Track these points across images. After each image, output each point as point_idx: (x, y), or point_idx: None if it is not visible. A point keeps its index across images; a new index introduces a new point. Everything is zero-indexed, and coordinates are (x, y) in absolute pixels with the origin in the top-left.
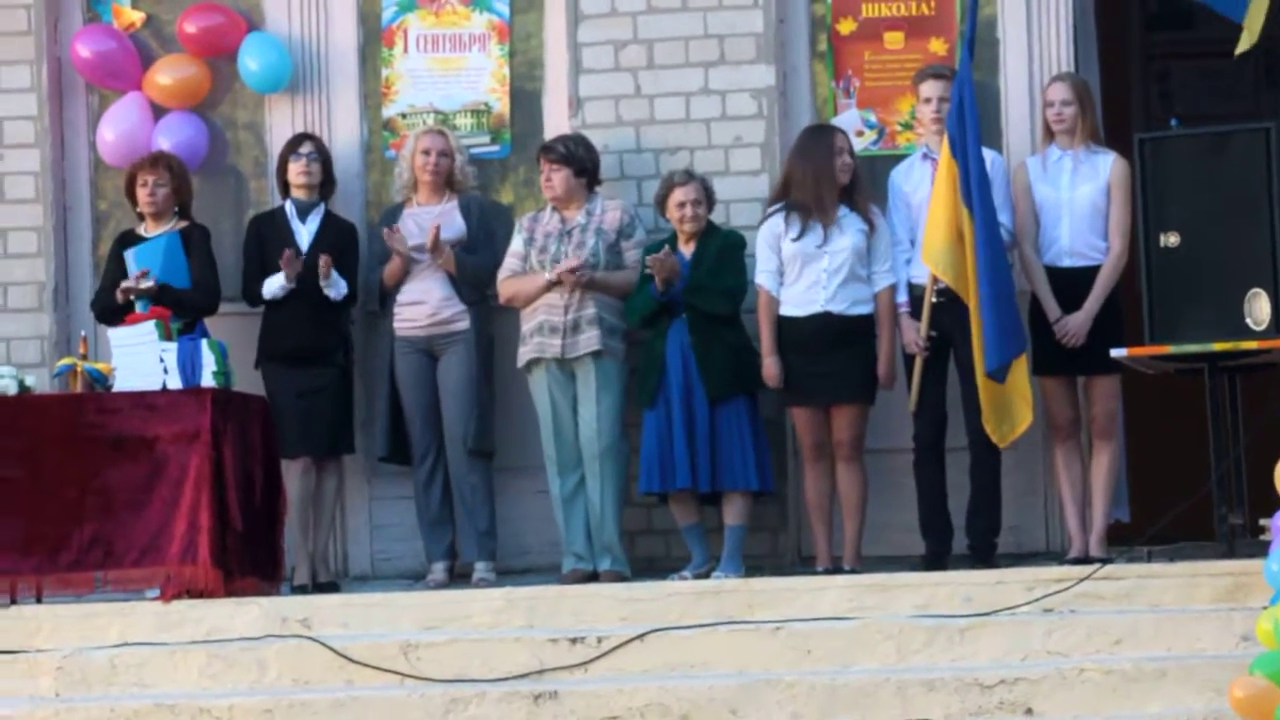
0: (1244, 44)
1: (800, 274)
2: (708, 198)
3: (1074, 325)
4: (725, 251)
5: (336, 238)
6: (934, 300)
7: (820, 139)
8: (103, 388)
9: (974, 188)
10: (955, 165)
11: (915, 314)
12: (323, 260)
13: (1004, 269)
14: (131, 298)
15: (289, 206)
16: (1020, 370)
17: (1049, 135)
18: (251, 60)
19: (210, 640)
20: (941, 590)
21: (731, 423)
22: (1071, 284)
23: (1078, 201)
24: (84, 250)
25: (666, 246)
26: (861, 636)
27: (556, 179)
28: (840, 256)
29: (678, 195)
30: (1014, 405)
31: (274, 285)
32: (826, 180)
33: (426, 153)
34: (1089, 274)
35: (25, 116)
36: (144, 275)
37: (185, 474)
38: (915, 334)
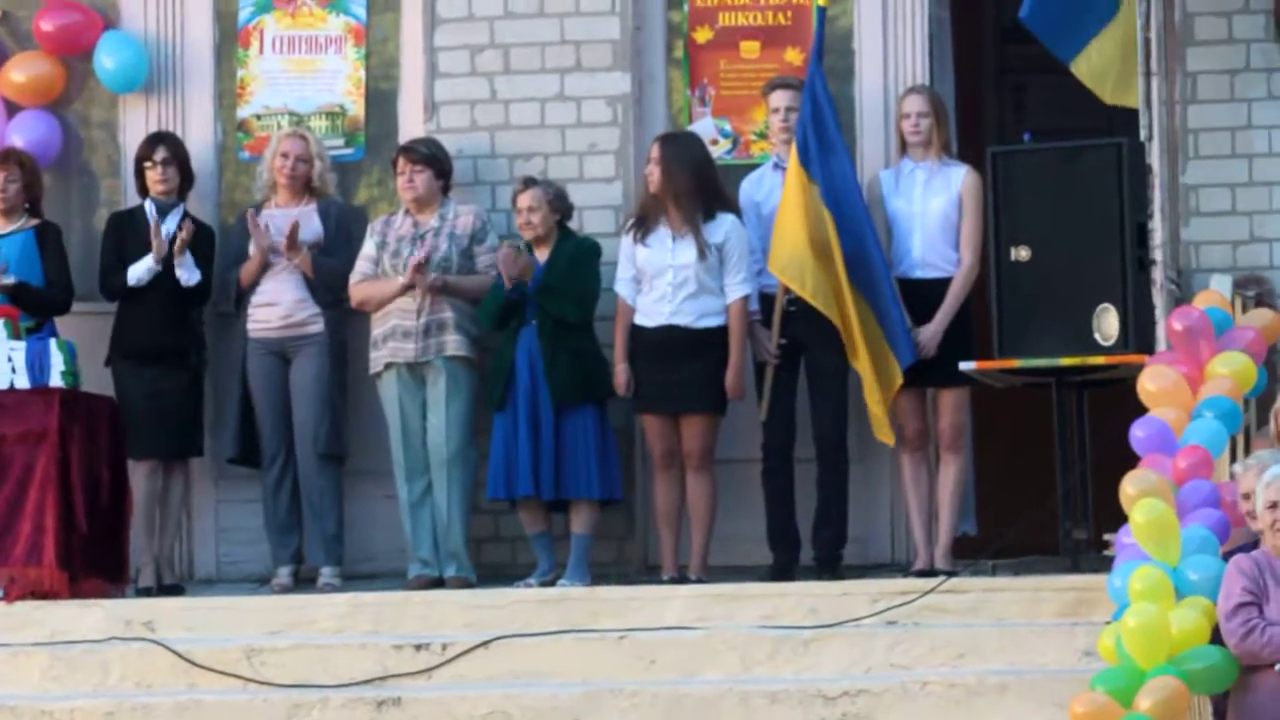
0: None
1: (651, 285)
2: (556, 205)
3: (925, 337)
4: (578, 258)
5: (194, 238)
6: (785, 309)
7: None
8: None
9: (836, 196)
10: (804, 174)
11: (767, 322)
12: (185, 229)
13: (881, 272)
14: None
15: (149, 206)
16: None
17: (902, 147)
18: (107, 58)
19: (53, 642)
20: (786, 601)
21: (578, 430)
22: (923, 296)
23: (930, 214)
24: None
25: (515, 243)
26: (706, 646)
27: (419, 180)
28: (685, 272)
29: (518, 202)
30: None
31: (140, 269)
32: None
33: (285, 155)
34: (941, 286)
35: None
36: (3, 271)
37: (31, 474)
38: (767, 342)
